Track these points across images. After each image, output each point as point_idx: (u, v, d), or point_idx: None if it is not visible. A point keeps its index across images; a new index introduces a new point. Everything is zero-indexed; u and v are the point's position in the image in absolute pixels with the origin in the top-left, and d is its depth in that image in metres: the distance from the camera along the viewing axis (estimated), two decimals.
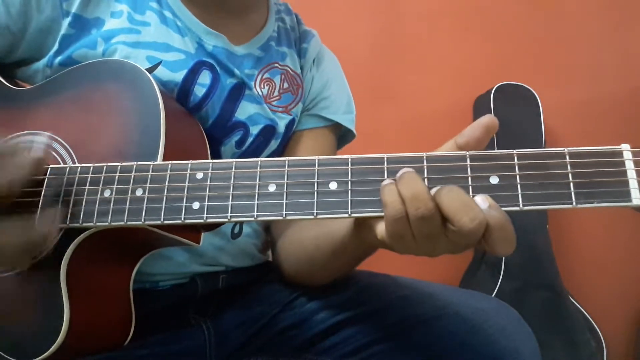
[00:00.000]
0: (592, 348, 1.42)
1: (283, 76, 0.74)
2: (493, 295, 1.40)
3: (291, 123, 0.74)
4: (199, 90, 0.65)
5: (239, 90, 0.68)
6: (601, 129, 1.58)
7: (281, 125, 0.72)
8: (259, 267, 0.77)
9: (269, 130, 0.71)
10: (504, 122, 1.50)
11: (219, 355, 0.67)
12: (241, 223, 0.73)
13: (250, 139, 0.69)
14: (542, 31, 1.62)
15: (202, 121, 0.65)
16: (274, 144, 0.72)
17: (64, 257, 0.50)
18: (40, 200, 0.50)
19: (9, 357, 0.51)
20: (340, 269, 0.62)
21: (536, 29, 1.62)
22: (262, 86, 0.71)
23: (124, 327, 0.57)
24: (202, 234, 0.58)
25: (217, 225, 0.57)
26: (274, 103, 0.72)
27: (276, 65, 0.73)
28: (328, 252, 0.57)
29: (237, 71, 0.68)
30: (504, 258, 1.43)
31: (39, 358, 0.49)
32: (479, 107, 1.59)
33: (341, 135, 0.82)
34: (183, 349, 0.65)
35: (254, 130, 0.69)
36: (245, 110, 0.69)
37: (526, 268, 1.43)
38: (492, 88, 1.55)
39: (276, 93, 0.72)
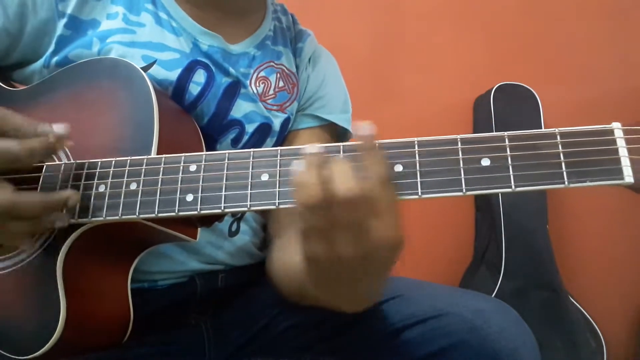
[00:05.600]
0: (592, 348, 1.42)
1: (278, 75, 0.74)
2: (493, 295, 1.40)
3: (286, 121, 0.74)
4: (194, 89, 0.65)
5: (234, 89, 0.69)
6: None
7: (276, 124, 0.72)
8: (258, 265, 0.77)
9: (264, 129, 0.71)
10: (504, 122, 1.51)
11: (218, 355, 0.67)
12: (238, 217, 0.73)
13: (245, 137, 0.69)
14: (542, 31, 1.62)
15: (197, 119, 0.65)
16: (269, 142, 0.72)
17: (60, 252, 0.50)
18: None
19: (5, 353, 0.51)
20: (310, 305, 0.58)
21: (536, 29, 1.62)
22: (257, 84, 0.71)
23: (121, 324, 0.57)
24: (199, 230, 0.58)
25: (213, 219, 0.57)
26: (269, 101, 0.72)
27: (272, 64, 0.74)
28: (296, 289, 0.56)
29: (232, 70, 0.68)
30: (504, 258, 1.43)
31: (35, 354, 0.49)
32: (479, 107, 1.59)
33: (338, 135, 0.81)
34: (182, 348, 0.66)
35: (250, 128, 0.70)
36: (240, 109, 0.69)
37: (526, 268, 1.43)
38: (492, 88, 1.54)
39: (271, 91, 0.73)
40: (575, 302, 1.46)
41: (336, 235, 0.39)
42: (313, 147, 0.39)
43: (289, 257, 0.60)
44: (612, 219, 1.56)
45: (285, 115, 0.73)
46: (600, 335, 1.44)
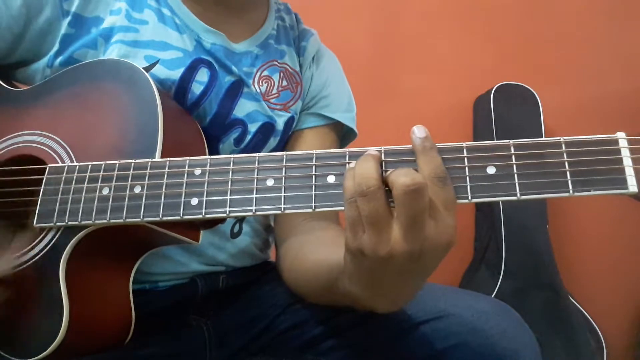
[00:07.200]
0: (592, 348, 1.42)
1: (282, 74, 0.73)
2: (493, 295, 1.40)
3: (290, 120, 0.73)
4: (197, 88, 0.65)
5: (237, 88, 0.68)
6: (601, 129, 1.56)
7: (280, 123, 0.72)
8: (259, 266, 0.77)
9: (267, 128, 0.70)
10: (504, 122, 1.51)
11: (219, 356, 0.67)
12: (240, 219, 0.72)
13: (248, 137, 0.69)
14: (542, 31, 1.62)
15: (199, 119, 0.65)
16: (272, 142, 0.72)
17: (63, 255, 0.50)
18: (39, 199, 0.51)
19: (8, 357, 0.51)
20: (331, 303, 0.59)
21: (536, 29, 1.62)
22: (260, 84, 0.71)
23: (123, 327, 0.57)
24: (201, 232, 0.58)
25: (216, 222, 0.57)
26: (272, 100, 0.72)
27: (275, 62, 0.73)
28: (322, 285, 0.56)
29: (235, 69, 0.68)
30: (504, 258, 1.43)
31: (38, 357, 0.49)
32: (479, 107, 1.59)
33: (343, 135, 0.81)
34: (183, 349, 0.65)
35: (253, 127, 0.69)
36: (243, 108, 0.69)
37: (526, 268, 1.43)
38: (492, 88, 1.55)
39: (275, 90, 0.72)
40: (575, 302, 1.46)
41: (389, 229, 0.39)
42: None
43: (316, 252, 0.60)
44: (612, 219, 1.57)
45: (289, 115, 0.73)
46: (600, 335, 1.45)
